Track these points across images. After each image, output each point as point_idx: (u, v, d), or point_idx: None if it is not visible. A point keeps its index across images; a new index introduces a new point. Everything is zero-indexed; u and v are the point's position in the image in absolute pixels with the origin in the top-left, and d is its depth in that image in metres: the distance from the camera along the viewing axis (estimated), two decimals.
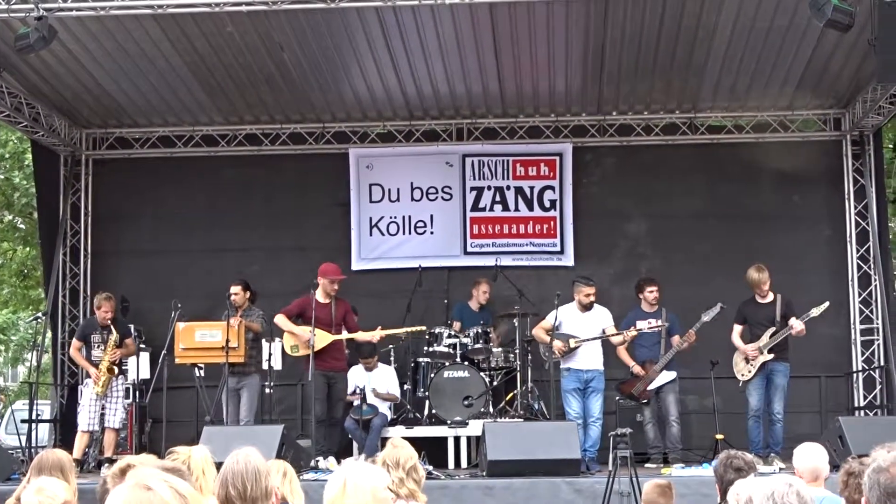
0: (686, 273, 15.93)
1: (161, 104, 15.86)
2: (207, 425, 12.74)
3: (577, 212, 16.39)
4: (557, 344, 13.27)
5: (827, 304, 13.32)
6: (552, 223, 16.46)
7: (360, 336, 13.98)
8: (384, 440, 12.29)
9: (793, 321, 13.31)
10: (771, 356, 13.49)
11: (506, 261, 16.08)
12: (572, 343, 13.35)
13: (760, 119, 16.33)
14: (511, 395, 14.64)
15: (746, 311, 13.80)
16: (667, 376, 13.86)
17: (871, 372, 15.91)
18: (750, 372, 13.51)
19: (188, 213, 16.62)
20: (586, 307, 13.56)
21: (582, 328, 13.54)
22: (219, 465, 5.77)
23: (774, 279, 13.80)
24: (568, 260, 16.47)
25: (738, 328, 13.78)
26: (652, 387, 13.89)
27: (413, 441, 7.96)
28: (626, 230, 16.50)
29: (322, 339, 13.57)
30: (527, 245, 16.49)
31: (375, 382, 14.66)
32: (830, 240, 16.28)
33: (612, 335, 13.50)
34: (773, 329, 13.50)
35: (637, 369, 13.80)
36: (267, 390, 13.99)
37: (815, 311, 13.26)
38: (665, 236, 16.34)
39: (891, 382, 15.12)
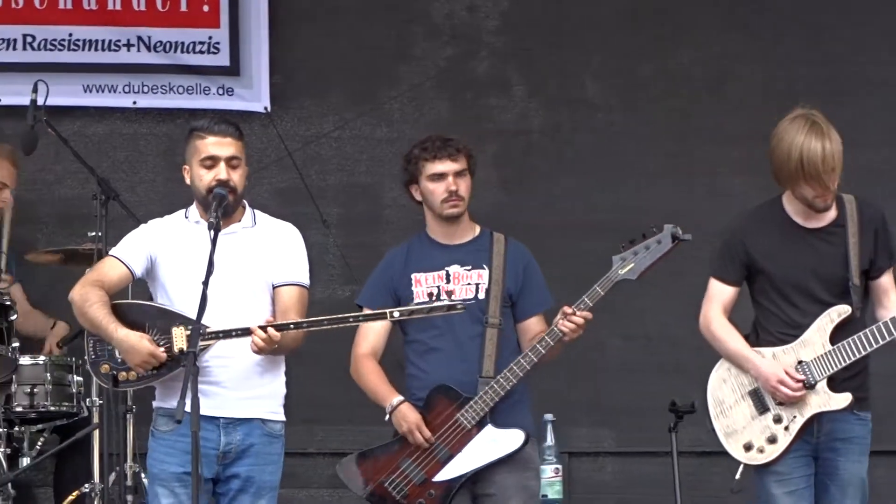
0: (581, 126, 8.42)
1: None
2: None
3: None
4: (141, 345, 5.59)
5: None
6: None
7: None
8: None
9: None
10: (842, 398, 5.75)
11: (60, 93, 7.58)
12: (178, 340, 5.48)
13: None
14: (74, 495, 8.10)
15: (755, 243, 5.97)
16: (501, 443, 5.95)
17: None
18: (772, 442, 5.67)
19: None
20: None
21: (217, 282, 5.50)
22: None
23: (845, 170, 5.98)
24: (252, 95, 7.77)
25: (721, 294, 5.93)
26: (447, 475, 5.89)
27: None
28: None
29: None
30: (128, 43, 7.82)
31: None
32: None
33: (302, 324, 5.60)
34: (843, 311, 5.73)
35: (406, 422, 5.87)
36: None
37: None
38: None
39: None
